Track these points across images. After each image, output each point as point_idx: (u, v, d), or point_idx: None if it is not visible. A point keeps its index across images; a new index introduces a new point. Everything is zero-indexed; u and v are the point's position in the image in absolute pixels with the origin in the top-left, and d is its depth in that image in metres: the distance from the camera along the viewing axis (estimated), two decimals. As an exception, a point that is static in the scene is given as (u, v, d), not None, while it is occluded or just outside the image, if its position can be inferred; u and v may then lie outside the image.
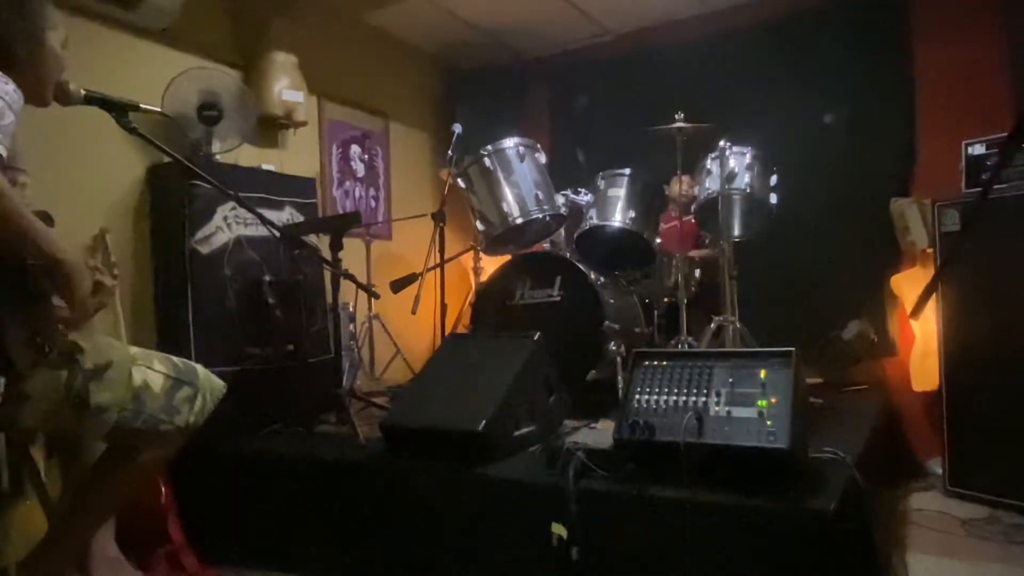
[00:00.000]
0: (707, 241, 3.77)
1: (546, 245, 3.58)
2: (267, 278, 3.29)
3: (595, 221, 3.36)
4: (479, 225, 3.35)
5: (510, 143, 3.29)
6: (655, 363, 2.17)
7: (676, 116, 3.30)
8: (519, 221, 3.23)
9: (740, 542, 1.84)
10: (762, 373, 1.99)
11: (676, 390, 2.07)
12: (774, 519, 1.81)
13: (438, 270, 3.40)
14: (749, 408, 1.95)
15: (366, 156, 4.65)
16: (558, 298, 3.22)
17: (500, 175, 3.25)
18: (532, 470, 2.21)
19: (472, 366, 2.57)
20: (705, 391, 2.03)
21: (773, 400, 1.93)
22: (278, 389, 3.12)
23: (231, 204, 3.21)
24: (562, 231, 3.58)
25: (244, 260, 3.27)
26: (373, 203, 4.72)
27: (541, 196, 3.25)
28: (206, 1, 3.59)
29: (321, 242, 3.38)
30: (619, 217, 3.31)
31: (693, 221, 3.59)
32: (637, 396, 2.11)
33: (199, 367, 1.95)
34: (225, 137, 3.40)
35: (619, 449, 2.09)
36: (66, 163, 2.96)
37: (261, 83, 3.75)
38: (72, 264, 1.51)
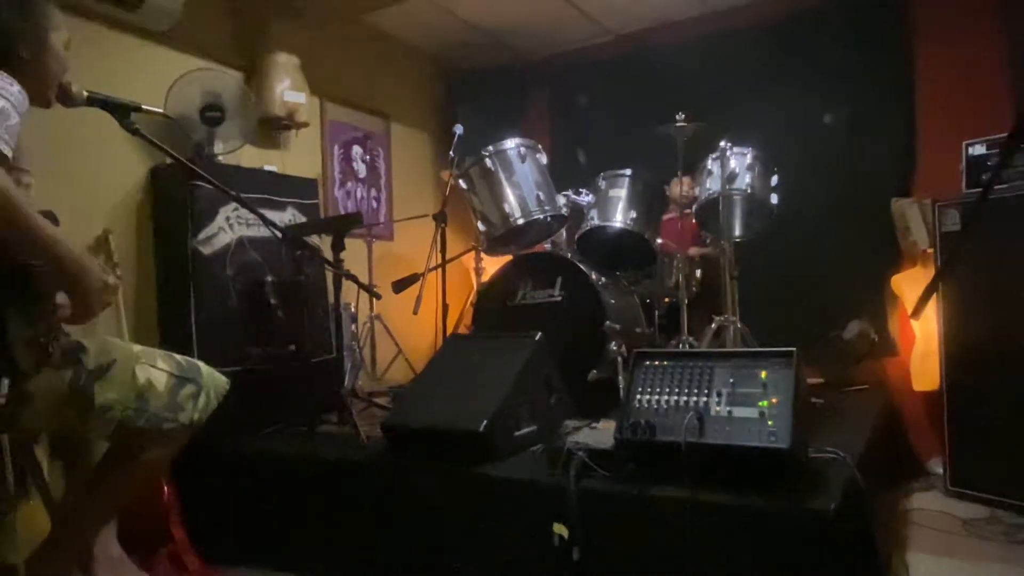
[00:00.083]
0: (708, 241, 3.77)
1: (547, 245, 3.58)
2: (269, 278, 3.29)
3: (596, 222, 3.36)
4: (480, 226, 3.35)
5: (511, 144, 3.29)
6: (656, 363, 2.17)
7: (677, 116, 3.29)
8: (520, 222, 3.22)
9: (741, 542, 1.84)
10: (763, 373, 1.99)
11: (677, 390, 2.07)
12: (775, 519, 1.81)
13: (440, 270, 3.39)
14: (750, 408, 1.95)
15: (368, 157, 4.65)
16: (559, 298, 3.22)
17: (501, 176, 3.25)
18: (533, 470, 2.21)
19: (473, 366, 2.57)
20: (706, 391, 2.03)
21: (774, 400, 1.93)
22: (280, 389, 3.11)
23: (233, 205, 3.21)
24: (563, 232, 3.57)
25: (246, 261, 3.27)
26: (375, 204, 4.72)
27: (542, 197, 3.25)
28: (208, 2, 3.59)
29: (323, 243, 3.36)
30: (620, 218, 3.31)
31: (694, 222, 3.58)
32: (638, 396, 2.11)
33: (202, 364, 1.95)
34: (227, 138, 3.40)
35: (620, 449, 2.09)
36: (69, 164, 2.95)
37: (263, 84, 3.74)
38: (81, 264, 1.52)
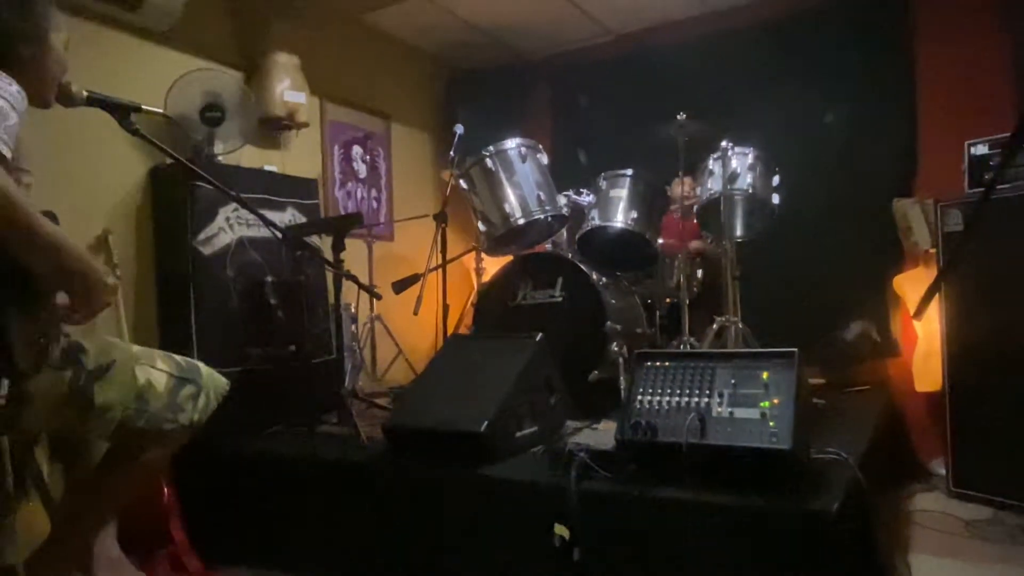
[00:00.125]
0: (710, 241, 3.76)
1: (548, 246, 3.57)
2: (269, 279, 3.29)
3: (597, 222, 3.35)
4: (481, 226, 3.35)
5: (512, 144, 3.28)
6: (657, 364, 2.16)
7: (678, 116, 3.29)
8: (521, 222, 3.22)
9: (742, 543, 1.83)
10: (764, 374, 1.99)
11: (678, 391, 2.07)
12: (776, 520, 1.81)
13: (440, 271, 3.40)
14: (752, 409, 1.94)
15: (368, 157, 4.64)
16: (560, 299, 3.21)
17: (502, 176, 3.24)
18: (534, 471, 2.21)
19: (474, 367, 2.57)
20: (707, 392, 2.03)
21: (776, 401, 1.92)
22: (280, 390, 3.11)
23: (233, 205, 3.21)
24: (564, 232, 3.57)
25: (246, 261, 3.27)
26: (375, 204, 4.71)
27: (543, 197, 3.25)
28: (208, 2, 3.59)
29: (323, 243, 3.36)
30: (621, 218, 3.31)
31: (695, 222, 3.58)
32: (639, 397, 2.11)
33: (202, 365, 1.95)
34: (227, 138, 3.39)
35: (621, 450, 2.08)
36: (69, 164, 2.95)
37: (263, 84, 3.74)
38: (85, 264, 1.52)
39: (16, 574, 1.80)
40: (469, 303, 3.79)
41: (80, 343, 1.69)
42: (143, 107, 1.93)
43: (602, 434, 2.60)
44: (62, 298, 1.59)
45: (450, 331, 3.60)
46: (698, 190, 3.49)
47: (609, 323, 3.08)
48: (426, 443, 2.40)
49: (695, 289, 3.64)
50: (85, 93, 1.81)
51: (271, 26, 3.78)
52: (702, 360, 2.12)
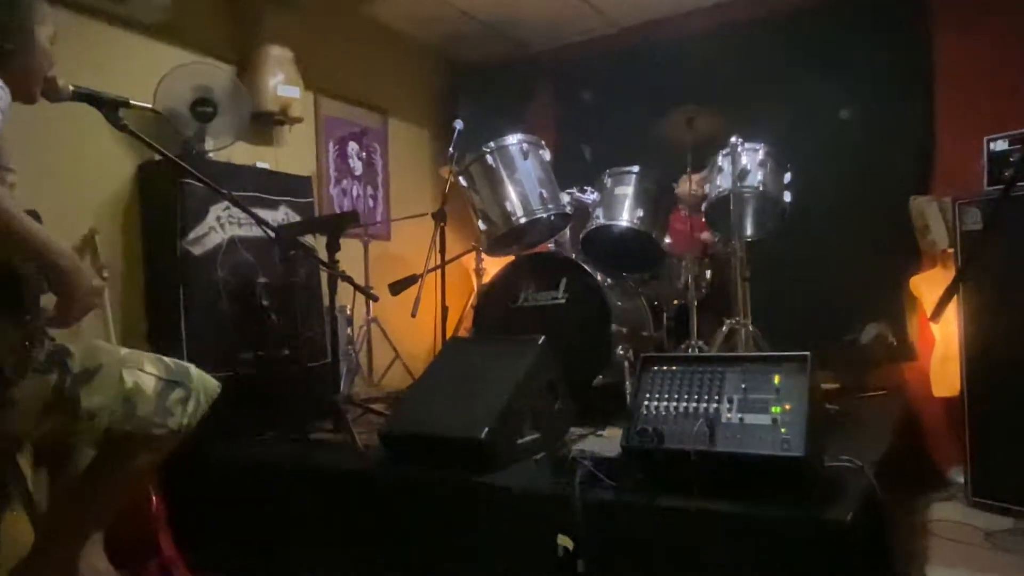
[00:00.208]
0: (717, 240, 3.73)
1: (551, 245, 3.57)
2: (261, 280, 3.28)
3: (602, 220, 3.34)
4: (481, 225, 3.32)
5: (513, 140, 3.26)
6: (664, 368, 2.15)
7: (686, 111, 3.27)
8: (523, 221, 3.20)
9: (753, 554, 1.81)
10: (776, 378, 1.97)
11: (686, 396, 2.05)
12: (789, 530, 1.78)
13: (439, 271, 3.38)
14: (762, 415, 1.92)
15: (364, 154, 4.64)
16: (563, 300, 3.20)
17: (503, 173, 3.22)
18: (536, 479, 2.20)
19: (474, 371, 2.56)
20: (716, 397, 2.01)
21: (787, 406, 1.90)
22: (273, 395, 3.12)
23: (224, 204, 3.20)
24: (567, 231, 3.56)
25: (238, 261, 3.27)
26: (371, 202, 4.70)
27: (545, 195, 3.22)
28: (198, -6, 3.62)
29: (317, 243, 3.36)
30: (627, 216, 3.29)
31: (703, 221, 3.55)
32: (646, 402, 2.09)
33: (191, 367, 1.94)
34: (218, 134, 3.38)
35: (627, 458, 2.06)
36: (54, 161, 2.95)
37: (255, 78, 3.72)
38: (71, 264, 1.52)
39: (-1, 582, 1.82)
40: (469, 305, 3.86)
41: (66, 346, 1.69)
42: (131, 102, 1.94)
43: (607, 441, 2.61)
44: (46, 300, 1.60)
45: (449, 334, 3.59)
46: (706, 187, 3.48)
47: (614, 326, 3.07)
48: (424, 450, 2.39)
49: (703, 290, 3.63)
50: (71, 88, 1.82)
51: (264, 18, 3.77)
52: (711, 364, 2.11)
